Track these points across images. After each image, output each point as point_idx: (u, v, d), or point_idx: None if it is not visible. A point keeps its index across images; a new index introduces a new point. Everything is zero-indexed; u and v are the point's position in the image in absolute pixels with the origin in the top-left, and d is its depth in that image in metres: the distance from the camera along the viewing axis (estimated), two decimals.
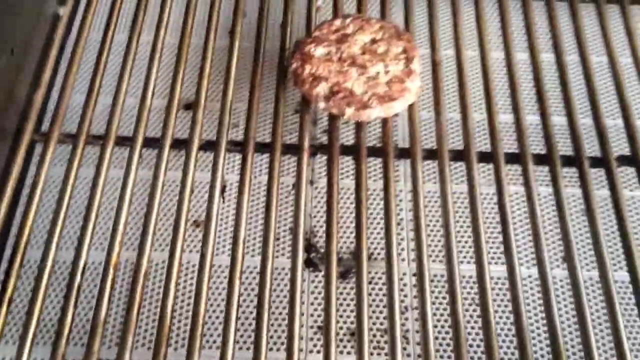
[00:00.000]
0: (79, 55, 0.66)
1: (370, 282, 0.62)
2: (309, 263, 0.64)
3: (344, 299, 0.62)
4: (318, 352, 0.59)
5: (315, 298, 0.62)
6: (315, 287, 0.62)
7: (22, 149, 0.60)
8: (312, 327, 0.60)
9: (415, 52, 0.63)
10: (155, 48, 0.66)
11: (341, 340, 0.60)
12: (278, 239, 0.65)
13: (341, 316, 0.61)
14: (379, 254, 0.64)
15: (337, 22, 0.65)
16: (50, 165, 0.59)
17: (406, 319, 0.61)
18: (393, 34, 0.64)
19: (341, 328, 0.60)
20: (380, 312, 0.61)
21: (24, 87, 0.64)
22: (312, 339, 0.60)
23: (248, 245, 0.64)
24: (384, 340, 0.60)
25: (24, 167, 0.62)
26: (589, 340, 0.51)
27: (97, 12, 0.77)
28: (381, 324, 0.61)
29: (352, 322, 0.61)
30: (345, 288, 0.62)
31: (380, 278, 0.63)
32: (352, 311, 0.61)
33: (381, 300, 0.62)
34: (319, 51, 0.63)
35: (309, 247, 0.65)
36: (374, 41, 0.64)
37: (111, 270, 0.54)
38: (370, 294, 0.62)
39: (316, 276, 0.63)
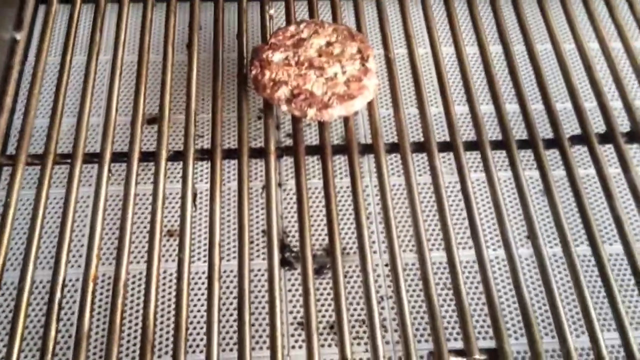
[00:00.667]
0: (39, 78, 0.66)
1: (345, 276, 0.63)
2: (283, 262, 0.64)
3: (321, 294, 0.62)
4: (300, 347, 0.59)
5: (293, 295, 0.62)
6: (292, 285, 0.63)
7: None
8: (292, 323, 0.61)
9: (370, 51, 0.64)
10: (115, 66, 0.66)
11: (321, 334, 0.60)
12: (252, 241, 0.65)
13: (319, 311, 0.61)
14: (350, 248, 0.65)
15: (292, 28, 0.66)
16: (19, 188, 0.58)
17: (382, 308, 0.61)
18: (347, 36, 0.65)
19: (320, 322, 0.61)
20: (357, 303, 0.62)
21: None
22: (293, 335, 0.60)
23: (223, 249, 0.64)
24: (363, 330, 0.61)
25: None
26: (558, 311, 0.53)
27: (54, 35, 0.76)
28: (359, 315, 0.61)
29: (330, 316, 0.61)
30: (321, 284, 0.63)
31: (354, 271, 0.63)
32: (329, 305, 0.62)
33: (357, 292, 0.62)
34: (276, 56, 0.63)
35: (283, 247, 0.65)
36: (329, 44, 0.65)
37: (90, 284, 0.54)
38: (346, 287, 0.62)
39: (292, 274, 0.63)
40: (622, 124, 0.62)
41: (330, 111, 0.60)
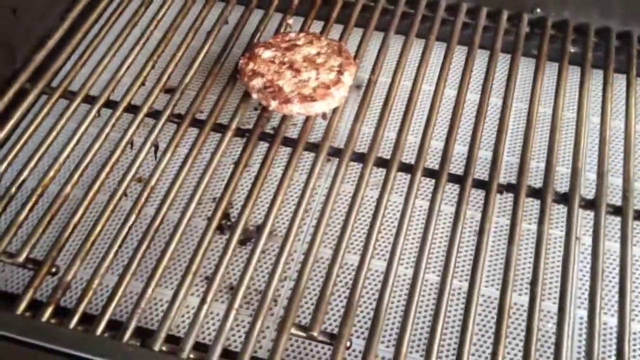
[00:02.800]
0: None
1: (263, 252, 0.64)
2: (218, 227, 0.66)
3: (242, 261, 0.64)
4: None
5: (212, 255, 0.64)
6: (216, 247, 0.65)
7: None
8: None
9: (350, 67, 0.66)
10: (140, 39, 0.72)
11: (220, 291, 0.62)
12: (200, 203, 0.67)
13: (229, 273, 0.63)
14: (281, 232, 0.66)
15: (292, 35, 0.69)
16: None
17: (282, 286, 0.62)
18: (335, 51, 0.68)
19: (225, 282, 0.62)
20: (264, 277, 0.63)
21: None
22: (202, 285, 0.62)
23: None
24: (256, 299, 0.62)
25: None
26: (405, 328, 0.53)
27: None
28: (260, 286, 0.63)
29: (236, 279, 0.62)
30: (241, 252, 0.64)
31: (274, 251, 0.65)
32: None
33: (267, 268, 0.64)
34: (266, 54, 0.67)
35: (224, 215, 0.67)
36: (318, 54, 0.67)
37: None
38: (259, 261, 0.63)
39: (220, 238, 0.65)
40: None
41: (290, 106, 0.63)
